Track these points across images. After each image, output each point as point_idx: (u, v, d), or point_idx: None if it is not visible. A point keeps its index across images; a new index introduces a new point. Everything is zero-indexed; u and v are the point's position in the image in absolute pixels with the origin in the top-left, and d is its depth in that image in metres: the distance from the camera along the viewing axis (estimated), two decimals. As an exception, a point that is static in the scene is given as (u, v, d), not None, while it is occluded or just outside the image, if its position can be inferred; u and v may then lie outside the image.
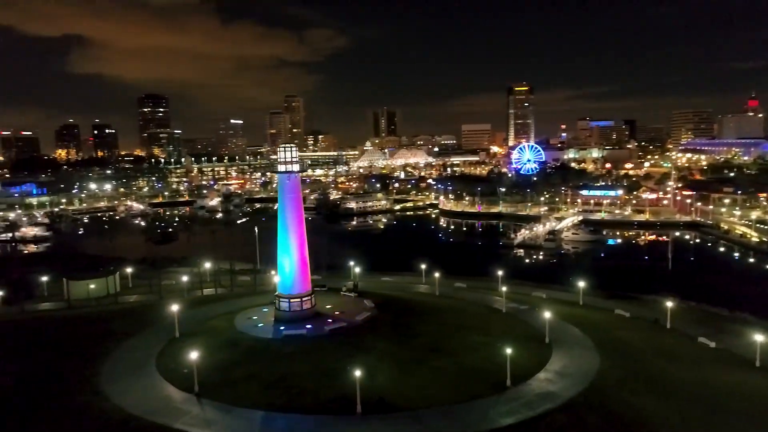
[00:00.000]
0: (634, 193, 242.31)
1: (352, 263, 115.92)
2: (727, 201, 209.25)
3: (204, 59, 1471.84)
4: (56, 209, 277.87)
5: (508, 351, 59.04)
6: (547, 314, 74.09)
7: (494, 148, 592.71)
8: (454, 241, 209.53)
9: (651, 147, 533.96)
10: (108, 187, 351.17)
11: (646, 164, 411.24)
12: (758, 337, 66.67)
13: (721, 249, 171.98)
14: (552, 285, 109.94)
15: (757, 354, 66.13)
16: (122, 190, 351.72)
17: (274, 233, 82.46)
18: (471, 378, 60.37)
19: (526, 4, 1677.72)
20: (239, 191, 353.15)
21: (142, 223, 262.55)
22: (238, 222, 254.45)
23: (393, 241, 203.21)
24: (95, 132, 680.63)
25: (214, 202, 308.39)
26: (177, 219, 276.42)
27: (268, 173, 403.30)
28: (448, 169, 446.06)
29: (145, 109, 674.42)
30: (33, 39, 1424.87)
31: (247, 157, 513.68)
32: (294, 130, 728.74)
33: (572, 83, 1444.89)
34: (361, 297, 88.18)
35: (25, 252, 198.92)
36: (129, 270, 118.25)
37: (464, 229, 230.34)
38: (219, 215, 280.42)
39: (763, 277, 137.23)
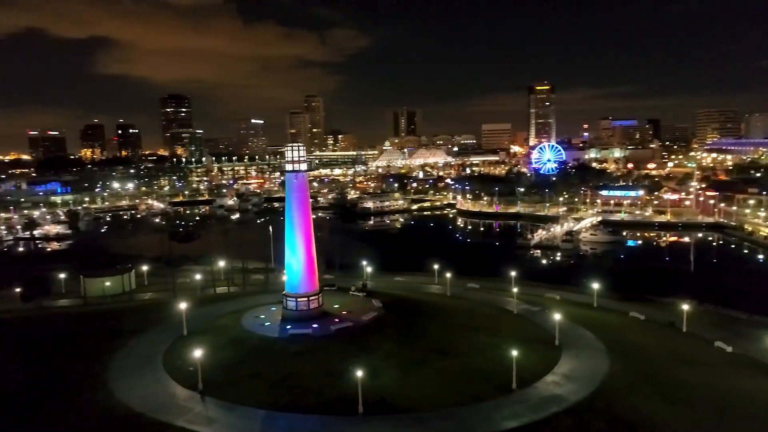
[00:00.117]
0: (656, 193, 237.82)
1: (364, 263, 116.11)
2: (752, 202, 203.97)
3: (227, 60, 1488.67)
4: (79, 207, 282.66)
5: (514, 353, 58.15)
6: (557, 316, 72.87)
7: (515, 148, 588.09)
8: (470, 242, 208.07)
9: (675, 147, 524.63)
10: (130, 186, 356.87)
11: (670, 164, 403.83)
12: (777, 342, 64.76)
13: (745, 251, 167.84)
14: (566, 286, 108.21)
15: (774, 359, 64.28)
16: (144, 189, 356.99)
17: (280, 232, 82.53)
18: (476, 380, 59.64)
19: (548, 2, 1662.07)
20: (258, 190, 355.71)
21: (162, 222, 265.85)
22: (258, 221, 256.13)
23: (409, 240, 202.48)
24: (119, 132, 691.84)
25: (233, 201, 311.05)
26: (197, 218, 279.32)
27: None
28: (467, 169, 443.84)
29: (168, 110, 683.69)
30: (61, 41, 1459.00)
31: (267, 156, 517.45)
32: (314, 130, 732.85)
33: (595, 82, 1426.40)
34: (369, 297, 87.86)
35: (48, 249, 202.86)
36: (145, 268, 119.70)
37: (481, 229, 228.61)
38: (237, 215, 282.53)
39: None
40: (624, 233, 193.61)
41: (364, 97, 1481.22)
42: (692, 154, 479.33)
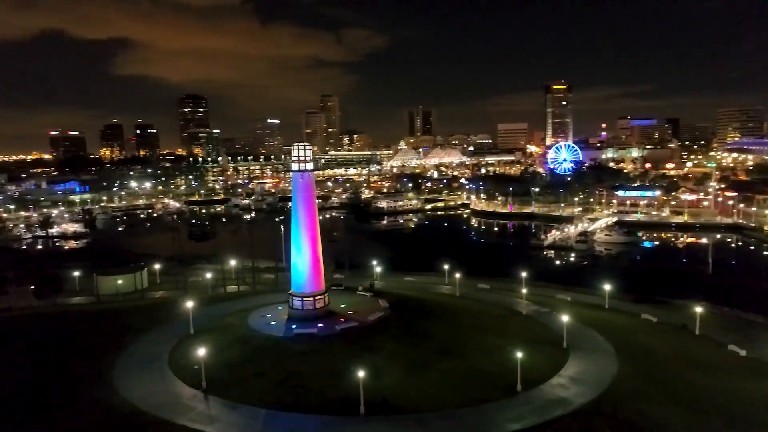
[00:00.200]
0: (673, 194, 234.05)
1: (374, 263, 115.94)
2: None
3: (244, 60, 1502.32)
4: (96, 207, 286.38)
5: (519, 354, 57.43)
6: (565, 318, 71.91)
7: (531, 148, 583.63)
8: (483, 242, 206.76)
9: (695, 146, 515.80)
10: (148, 185, 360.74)
11: (689, 164, 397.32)
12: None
13: (765, 252, 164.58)
14: (578, 288, 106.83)
15: (789, 363, 62.74)
16: (161, 188, 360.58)
17: (288, 232, 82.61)
18: (481, 381, 59.05)
19: (567, 0, 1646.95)
20: (273, 190, 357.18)
21: (178, 221, 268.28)
22: (275, 220, 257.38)
23: (421, 240, 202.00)
24: (138, 132, 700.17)
25: (248, 200, 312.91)
26: (212, 217, 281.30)
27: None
28: (482, 169, 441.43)
29: (186, 109, 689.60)
30: (81, 42, 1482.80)
31: (282, 156, 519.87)
32: (329, 130, 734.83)
33: (615, 81, 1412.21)
34: (376, 297, 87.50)
35: (66, 248, 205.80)
36: (157, 266, 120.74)
37: (495, 229, 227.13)
38: (252, 214, 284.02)
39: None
40: (640, 234, 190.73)
41: (379, 96, 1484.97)
42: (712, 153, 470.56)
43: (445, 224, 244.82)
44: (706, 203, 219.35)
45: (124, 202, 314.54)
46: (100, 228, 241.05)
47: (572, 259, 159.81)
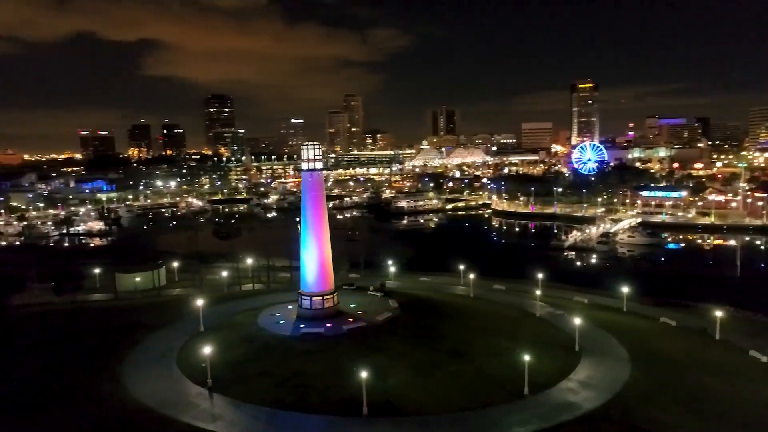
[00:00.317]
0: (700, 194, 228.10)
1: (389, 262, 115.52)
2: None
3: (269, 60, 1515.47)
4: (122, 205, 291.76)
5: (526, 357, 56.37)
6: (578, 320, 70.36)
7: (556, 147, 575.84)
8: (503, 242, 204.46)
9: (726, 146, 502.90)
10: (173, 184, 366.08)
11: (719, 164, 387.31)
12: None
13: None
14: (597, 290, 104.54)
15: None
16: (185, 187, 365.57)
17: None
18: (488, 384, 58.13)
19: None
20: (295, 189, 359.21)
21: (201, 220, 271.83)
22: (297, 219, 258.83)
23: (440, 240, 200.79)
24: (165, 131, 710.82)
25: (270, 199, 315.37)
26: (236, 216, 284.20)
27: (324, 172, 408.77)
28: (506, 169, 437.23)
29: (211, 110, 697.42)
30: (111, 44, 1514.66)
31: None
32: (353, 129, 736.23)
33: (645, 79, 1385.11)
34: (387, 297, 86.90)
35: (91, 245, 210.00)
36: (176, 264, 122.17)
37: (516, 229, 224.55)
38: (274, 213, 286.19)
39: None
40: (665, 235, 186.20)
41: (403, 96, 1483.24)
42: (743, 153, 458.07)
43: (466, 224, 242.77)
44: (734, 204, 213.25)
45: (149, 201, 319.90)
46: (124, 226, 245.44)
47: (593, 260, 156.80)
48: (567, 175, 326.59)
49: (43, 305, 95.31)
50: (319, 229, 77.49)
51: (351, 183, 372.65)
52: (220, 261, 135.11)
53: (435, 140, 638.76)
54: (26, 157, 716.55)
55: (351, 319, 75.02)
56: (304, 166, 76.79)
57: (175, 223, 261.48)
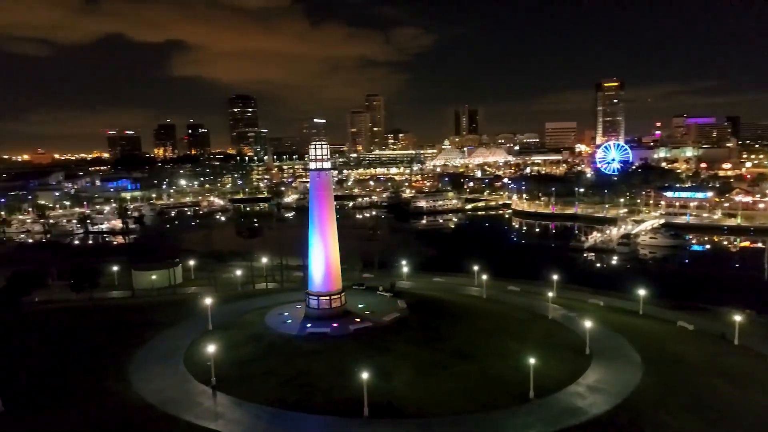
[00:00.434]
0: (726, 195, 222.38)
1: (403, 262, 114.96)
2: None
3: (293, 60, 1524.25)
4: (145, 204, 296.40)
5: (532, 360, 55.31)
6: (588, 323, 68.90)
7: (581, 147, 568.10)
8: (522, 243, 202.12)
9: (756, 146, 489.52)
10: (196, 183, 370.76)
11: (748, 164, 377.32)
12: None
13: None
14: (613, 292, 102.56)
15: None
16: (208, 186, 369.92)
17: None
18: (492, 387, 57.26)
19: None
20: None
21: (222, 218, 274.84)
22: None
23: (458, 241, 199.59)
24: (189, 131, 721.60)
25: (289, 198, 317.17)
26: (257, 215, 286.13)
27: (344, 171, 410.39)
28: (528, 169, 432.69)
29: (235, 109, 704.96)
30: (139, 45, 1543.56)
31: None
32: (374, 129, 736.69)
33: (673, 78, 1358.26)
34: (396, 297, 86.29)
35: (114, 243, 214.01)
36: (192, 262, 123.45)
37: (537, 230, 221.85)
38: (293, 212, 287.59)
39: None
40: (688, 237, 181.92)
41: (427, 96, 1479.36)
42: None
43: (486, 225, 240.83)
44: (762, 205, 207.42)
45: (171, 200, 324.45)
46: (147, 224, 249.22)
47: (613, 262, 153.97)
48: (589, 175, 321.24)
49: (61, 302, 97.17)
50: (327, 229, 77.24)
51: (371, 183, 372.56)
52: (236, 260, 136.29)
53: (457, 140, 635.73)
54: (56, 156, 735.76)
55: (358, 320, 74.64)
56: (312, 165, 76.67)
57: (199, 221, 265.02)
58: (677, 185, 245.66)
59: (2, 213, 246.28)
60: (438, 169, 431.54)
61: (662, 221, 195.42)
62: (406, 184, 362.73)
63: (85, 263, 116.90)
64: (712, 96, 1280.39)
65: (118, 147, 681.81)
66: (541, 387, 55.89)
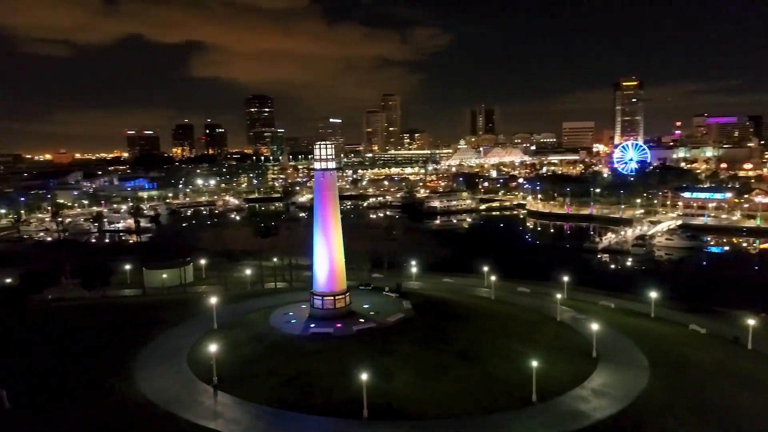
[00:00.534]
0: (746, 196, 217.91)
1: (413, 263, 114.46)
2: None
3: (311, 60, 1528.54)
4: (161, 203, 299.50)
5: (534, 363, 54.56)
6: (595, 326, 67.87)
7: (599, 147, 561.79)
8: (535, 244, 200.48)
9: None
10: (212, 182, 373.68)
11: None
12: None
13: None
14: (625, 294, 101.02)
15: None
16: (223, 185, 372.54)
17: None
18: (495, 390, 56.53)
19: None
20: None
21: (237, 218, 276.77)
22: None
23: (470, 241, 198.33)
24: (207, 131, 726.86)
25: (304, 198, 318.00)
26: (272, 214, 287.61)
27: (359, 171, 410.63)
28: (544, 168, 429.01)
29: (252, 109, 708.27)
30: (159, 46, 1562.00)
31: (341, 155, 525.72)
32: (390, 129, 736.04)
33: (693, 77, 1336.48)
34: (402, 298, 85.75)
35: (130, 242, 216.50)
36: (204, 261, 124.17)
37: (551, 231, 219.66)
38: (306, 212, 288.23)
39: None
40: (706, 239, 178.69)
41: (443, 95, 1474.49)
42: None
43: (500, 225, 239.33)
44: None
45: (188, 199, 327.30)
46: (163, 223, 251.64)
47: (628, 263, 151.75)
48: (605, 175, 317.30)
49: (73, 300, 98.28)
50: (331, 229, 77.00)
51: (386, 182, 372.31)
52: (247, 259, 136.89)
53: (473, 140, 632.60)
54: (77, 155, 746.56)
55: (362, 320, 74.33)
56: (317, 165, 76.49)
57: (215, 220, 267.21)
58: (695, 185, 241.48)
59: (22, 212, 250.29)
60: (453, 169, 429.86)
61: (679, 222, 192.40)
62: (421, 184, 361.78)
63: (97, 261, 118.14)
64: (734, 95, 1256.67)
65: (137, 147, 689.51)
66: (545, 390, 55.11)
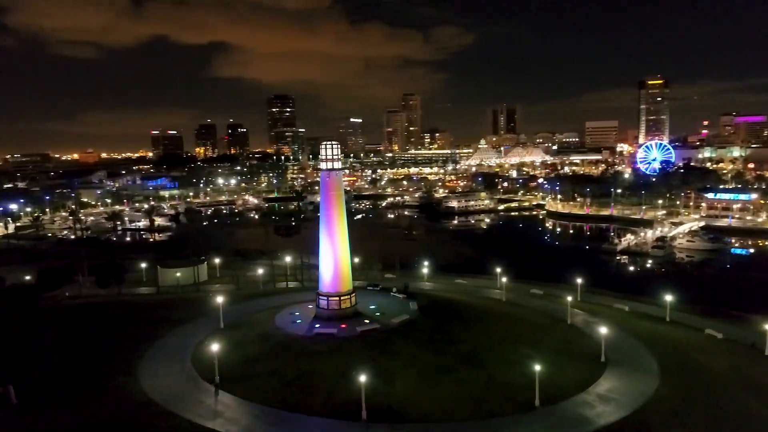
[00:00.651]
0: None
1: (425, 263, 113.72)
2: None
3: (333, 60, 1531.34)
4: (181, 202, 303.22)
5: (537, 367, 53.63)
6: (604, 329, 66.49)
7: (623, 146, 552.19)
8: (553, 245, 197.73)
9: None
10: (233, 182, 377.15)
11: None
12: None
13: None
14: (641, 297, 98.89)
15: None
16: (244, 185, 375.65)
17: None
18: (498, 394, 55.72)
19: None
20: (349, 188, 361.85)
21: (256, 217, 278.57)
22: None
23: (487, 241, 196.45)
24: (229, 131, 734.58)
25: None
26: (290, 214, 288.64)
27: (378, 170, 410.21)
28: (565, 168, 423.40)
29: (274, 109, 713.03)
30: (184, 47, 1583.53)
31: (361, 155, 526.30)
32: (411, 128, 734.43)
33: (721, 75, 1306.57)
34: (409, 298, 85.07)
35: (151, 240, 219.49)
36: (217, 260, 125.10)
37: (570, 231, 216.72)
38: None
39: None
40: (730, 241, 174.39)
41: (465, 95, 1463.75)
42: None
43: (518, 225, 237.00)
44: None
45: (208, 198, 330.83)
46: (183, 222, 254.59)
47: (647, 266, 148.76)
48: (627, 175, 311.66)
49: (88, 297, 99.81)
50: (337, 230, 76.75)
51: (404, 182, 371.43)
52: (262, 258, 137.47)
53: (494, 139, 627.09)
54: (104, 155, 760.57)
55: (367, 321, 73.92)
56: (323, 165, 76.32)
57: (237, 219, 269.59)
58: (719, 186, 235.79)
59: (47, 210, 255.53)
60: (473, 169, 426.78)
61: (701, 224, 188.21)
62: (440, 183, 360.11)
63: (113, 260, 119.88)
64: (764, 93, 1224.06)
65: (161, 146, 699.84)
66: (549, 395, 54.16)
